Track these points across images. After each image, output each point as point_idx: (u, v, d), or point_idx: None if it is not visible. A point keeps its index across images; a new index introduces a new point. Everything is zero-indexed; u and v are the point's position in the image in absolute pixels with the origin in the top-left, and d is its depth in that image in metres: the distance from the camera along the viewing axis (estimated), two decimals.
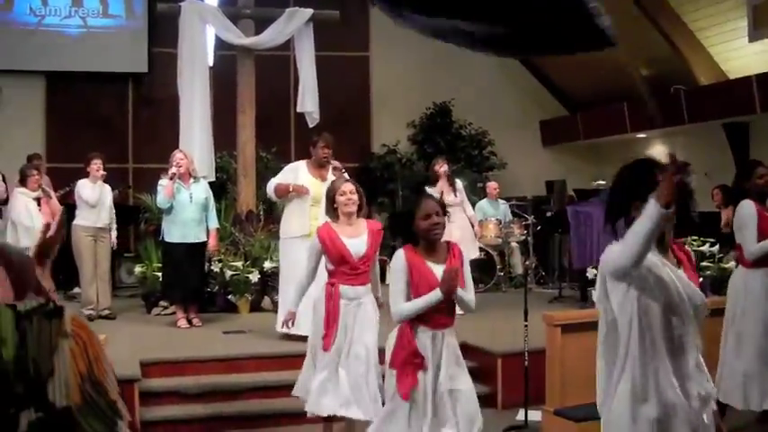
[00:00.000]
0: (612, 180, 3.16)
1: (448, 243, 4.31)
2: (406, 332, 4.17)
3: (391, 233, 4.62)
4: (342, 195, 5.13)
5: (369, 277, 5.19)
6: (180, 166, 8.18)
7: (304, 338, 6.96)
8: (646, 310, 2.89)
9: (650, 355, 2.90)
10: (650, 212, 2.66)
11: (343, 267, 5.06)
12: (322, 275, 5.30)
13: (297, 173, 7.41)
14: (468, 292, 4.25)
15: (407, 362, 4.14)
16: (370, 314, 5.14)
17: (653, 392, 2.90)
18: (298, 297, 5.28)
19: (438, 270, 4.12)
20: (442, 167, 9.22)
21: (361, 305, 5.10)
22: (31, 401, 1.16)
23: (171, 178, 8.09)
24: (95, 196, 8.75)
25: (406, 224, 4.23)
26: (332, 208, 5.21)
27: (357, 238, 5.10)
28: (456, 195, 9.16)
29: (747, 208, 5.47)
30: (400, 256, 4.16)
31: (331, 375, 5.02)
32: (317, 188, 7.16)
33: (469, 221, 9.40)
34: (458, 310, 4.29)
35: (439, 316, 4.17)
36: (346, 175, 7.33)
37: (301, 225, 7.25)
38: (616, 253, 2.84)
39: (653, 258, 2.87)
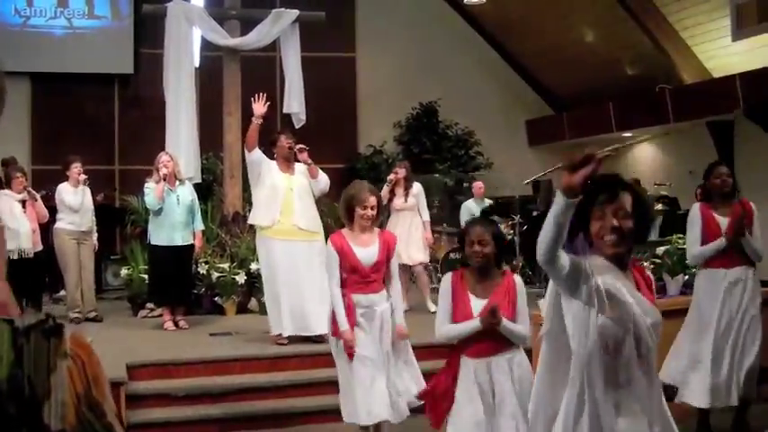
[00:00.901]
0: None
1: (504, 273, 4.30)
2: (453, 359, 4.21)
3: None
4: (363, 209, 5.03)
5: (382, 285, 5.14)
6: (167, 168, 8.16)
7: (313, 339, 7.03)
8: (601, 332, 2.77)
9: (600, 379, 2.79)
10: (555, 201, 2.60)
11: (354, 276, 5.03)
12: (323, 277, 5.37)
13: (269, 166, 7.39)
14: (518, 323, 4.19)
15: (447, 389, 4.17)
16: (389, 322, 5.11)
17: (592, 416, 2.79)
18: (342, 315, 5.06)
19: (476, 303, 4.13)
20: (397, 174, 9.21)
21: (379, 312, 5.05)
22: (25, 423, 1.11)
23: (163, 179, 8.08)
24: (78, 200, 8.73)
25: (462, 247, 4.33)
26: (349, 215, 5.11)
27: (369, 248, 5.05)
28: (407, 200, 9.17)
29: (693, 210, 5.65)
30: (447, 279, 4.26)
31: (370, 383, 4.95)
32: (287, 182, 7.27)
33: (423, 226, 9.29)
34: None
35: (480, 344, 4.13)
36: (310, 161, 7.29)
37: (268, 216, 7.26)
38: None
39: (610, 279, 2.79)
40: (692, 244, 5.61)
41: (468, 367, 4.14)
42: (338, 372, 5.14)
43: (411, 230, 9.10)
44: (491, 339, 4.11)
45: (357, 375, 4.93)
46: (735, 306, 5.52)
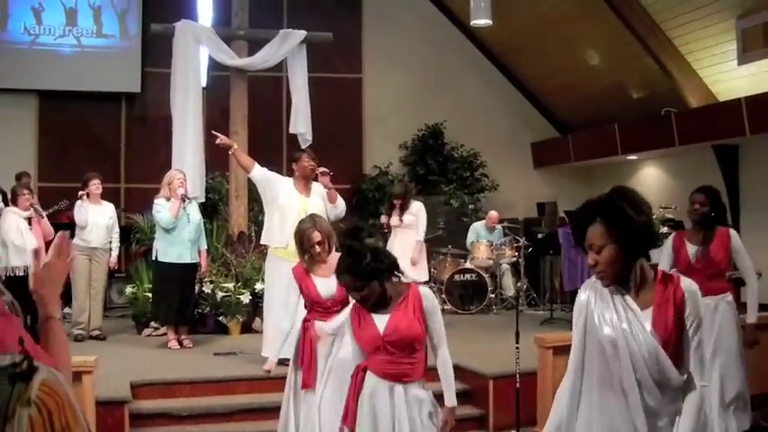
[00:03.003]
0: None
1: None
2: (357, 376, 3.84)
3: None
4: (311, 248, 5.01)
5: None
6: (183, 188, 8.25)
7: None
8: (589, 351, 2.86)
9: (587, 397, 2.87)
10: None
11: (316, 307, 5.04)
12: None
13: (281, 184, 7.35)
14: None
15: (350, 411, 3.81)
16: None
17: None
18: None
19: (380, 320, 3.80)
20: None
21: (338, 341, 4.96)
22: None
23: (182, 199, 8.14)
24: (83, 218, 8.78)
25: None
26: (302, 250, 5.09)
27: (329, 278, 4.88)
28: (401, 220, 9.21)
29: (667, 240, 5.59)
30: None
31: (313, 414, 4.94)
32: (302, 204, 7.11)
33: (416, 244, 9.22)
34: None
35: (384, 362, 3.74)
36: (331, 185, 7.30)
37: (282, 238, 7.17)
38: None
39: (598, 312, 2.82)
40: None
41: (375, 385, 3.75)
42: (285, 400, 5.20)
43: (406, 249, 9.00)
44: (400, 358, 3.74)
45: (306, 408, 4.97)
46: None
